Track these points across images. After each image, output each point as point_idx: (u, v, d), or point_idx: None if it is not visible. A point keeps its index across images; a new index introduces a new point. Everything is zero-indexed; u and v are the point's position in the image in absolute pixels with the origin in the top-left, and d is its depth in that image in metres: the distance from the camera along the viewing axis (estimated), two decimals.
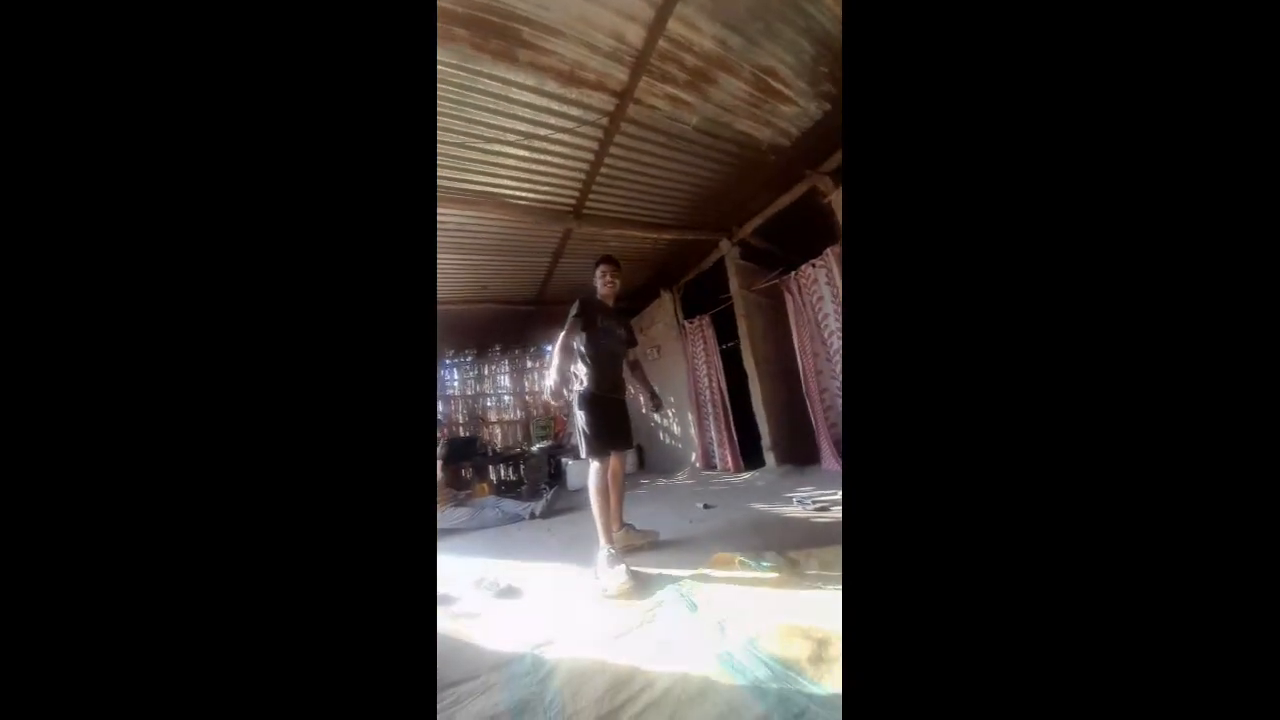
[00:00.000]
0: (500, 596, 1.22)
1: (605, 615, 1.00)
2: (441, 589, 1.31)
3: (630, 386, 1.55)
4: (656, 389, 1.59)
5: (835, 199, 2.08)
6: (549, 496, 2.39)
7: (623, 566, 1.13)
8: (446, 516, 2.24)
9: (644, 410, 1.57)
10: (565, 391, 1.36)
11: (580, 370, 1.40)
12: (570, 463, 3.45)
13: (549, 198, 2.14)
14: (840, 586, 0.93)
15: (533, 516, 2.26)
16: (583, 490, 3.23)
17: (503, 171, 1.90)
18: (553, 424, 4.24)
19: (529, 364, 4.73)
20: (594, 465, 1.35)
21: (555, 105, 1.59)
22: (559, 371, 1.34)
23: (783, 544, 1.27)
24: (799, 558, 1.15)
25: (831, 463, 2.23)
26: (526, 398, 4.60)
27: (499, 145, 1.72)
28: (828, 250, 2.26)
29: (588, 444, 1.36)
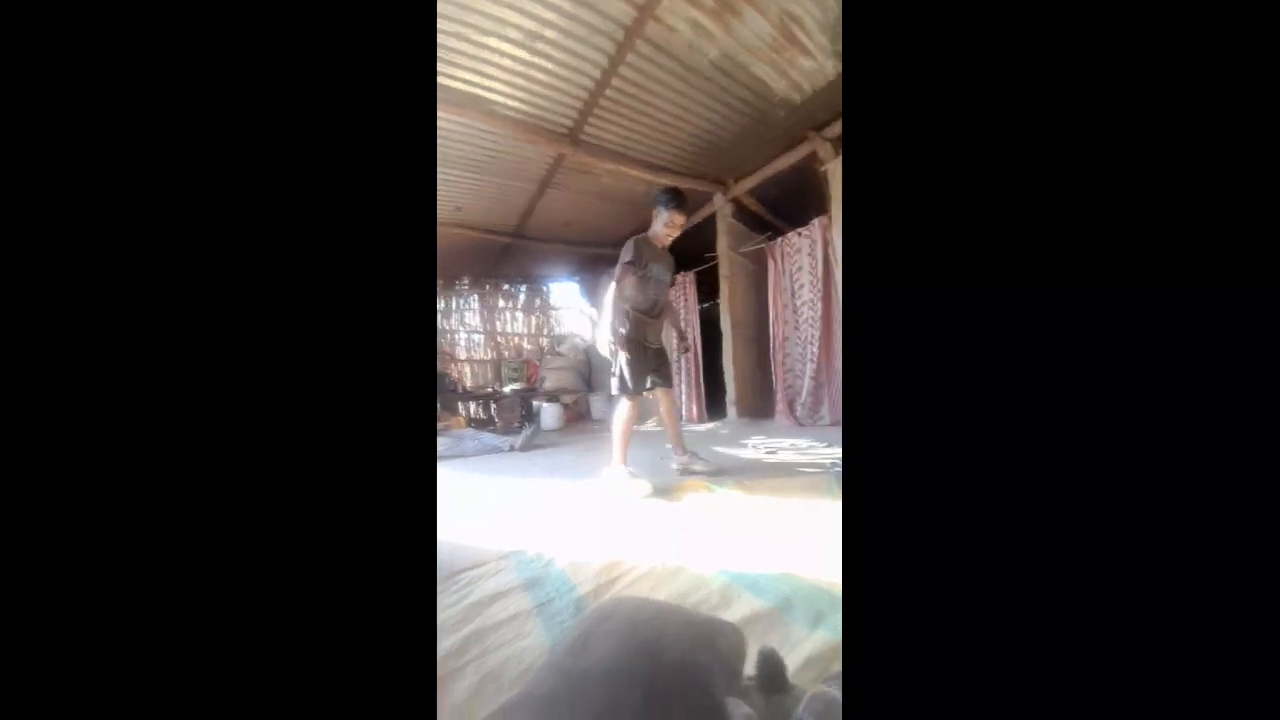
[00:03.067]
0: (495, 509, 1.34)
1: (589, 523, 1.17)
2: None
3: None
4: (681, 336, 1.67)
5: (832, 168, 2.13)
6: (528, 432, 2.47)
7: (644, 480, 1.38)
8: None
9: (673, 354, 1.65)
10: (622, 332, 1.41)
11: (625, 314, 1.46)
12: (543, 405, 3.53)
13: (544, 114, 1.94)
14: (779, 512, 1.19)
15: (511, 449, 2.35)
16: (557, 430, 3.38)
17: (496, 74, 1.67)
18: (525, 367, 4.21)
19: (501, 303, 4.51)
20: (622, 401, 1.47)
21: (569, 5, 1.40)
22: (615, 319, 1.40)
23: (740, 476, 1.51)
24: (752, 486, 1.39)
25: (783, 418, 2.54)
26: (498, 338, 4.46)
27: (496, 41, 1.50)
28: (815, 221, 2.34)
29: (621, 383, 1.47)
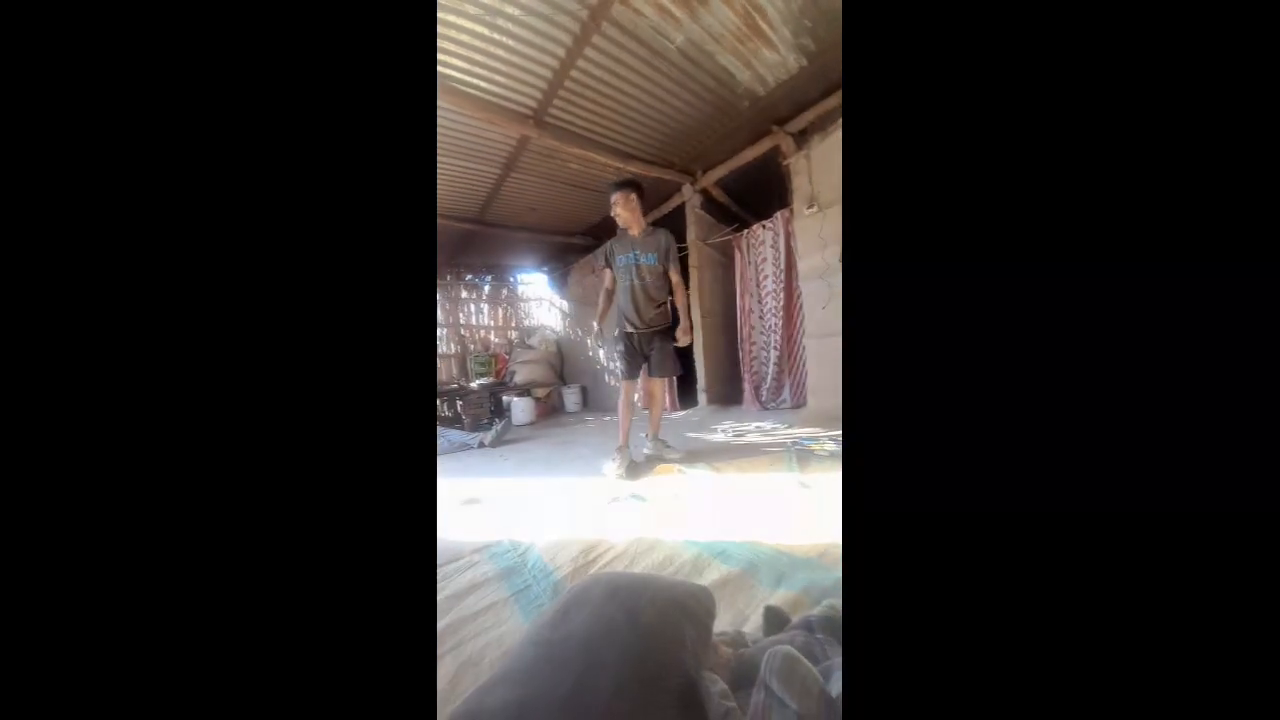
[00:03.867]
0: (467, 504, 1.31)
1: (567, 510, 1.18)
2: None
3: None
4: (681, 323, 1.61)
5: (794, 162, 2.21)
6: (499, 427, 2.42)
7: (627, 457, 1.50)
8: None
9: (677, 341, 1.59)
10: (601, 330, 1.62)
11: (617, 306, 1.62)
12: (514, 399, 3.44)
13: (507, 93, 1.84)
14: (744, 487, 1.28)
15: (481, 445, 2.29)
16: (529, 424, 3.33)
17: (454, 49, 1.56)
18: (493, 361, 4.07)
19: (464, 294, 4.30)
20: (622, 386, 1.63)
21: None
22: (598, 313, 1.66)
23: (710, 459, 1.58)
24: (721, 467, 1.47)
25: (751, 404, 2.67)
26: (462, 331, 4.25)
27: (454, 15, 1.39)
28: (777, 214, 2.44)
29: (619, 370, 1.69)
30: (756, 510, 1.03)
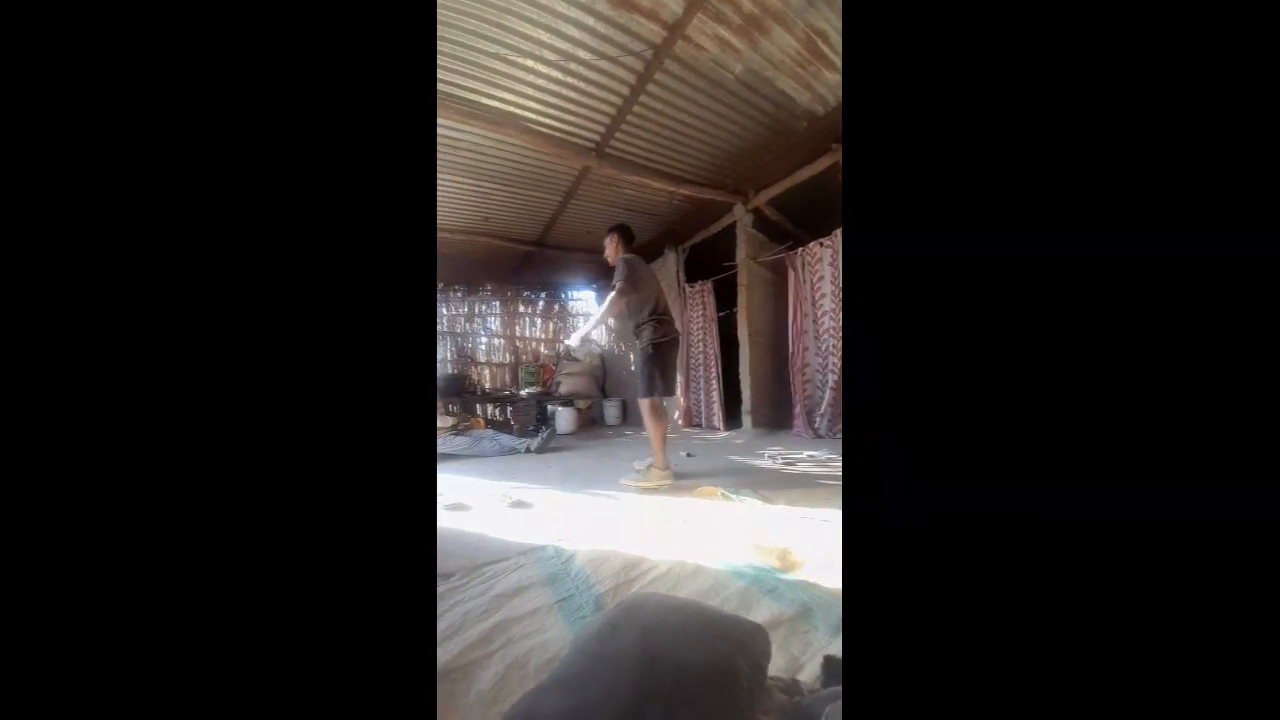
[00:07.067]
0: (514, 507, 1.38)
1: (611, 522, 1.19)
2: (457, 499, 1.46)
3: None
4: (575, 339, 1.65)
5: None
6: (544, 435, 2.53)
7: (662, 467, 1.58)
8: (448, 443, 2.36)
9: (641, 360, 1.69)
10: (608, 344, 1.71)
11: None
12: (558, 409, 3.59)
13: (573, 129, 2.03)
14: (803, 517, 1.18)
15: (528, 451, 2.41)
16: (571, 434, 3.43)
17: (531, 92, 1.77)
18: (541, 371, 4.31)
19: (521, 308, 4.65)
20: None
21: (602, 28, 1.48)
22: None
23: (756, 485, 1.49)
24: (770, 496, 1.38)
25: (801, 430, 2.50)
26: (517, 342, 4.59)
27: (533, 61, 1.59)
28: (836, 231, 2.33)
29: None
30: (811, 548, 0.95)
